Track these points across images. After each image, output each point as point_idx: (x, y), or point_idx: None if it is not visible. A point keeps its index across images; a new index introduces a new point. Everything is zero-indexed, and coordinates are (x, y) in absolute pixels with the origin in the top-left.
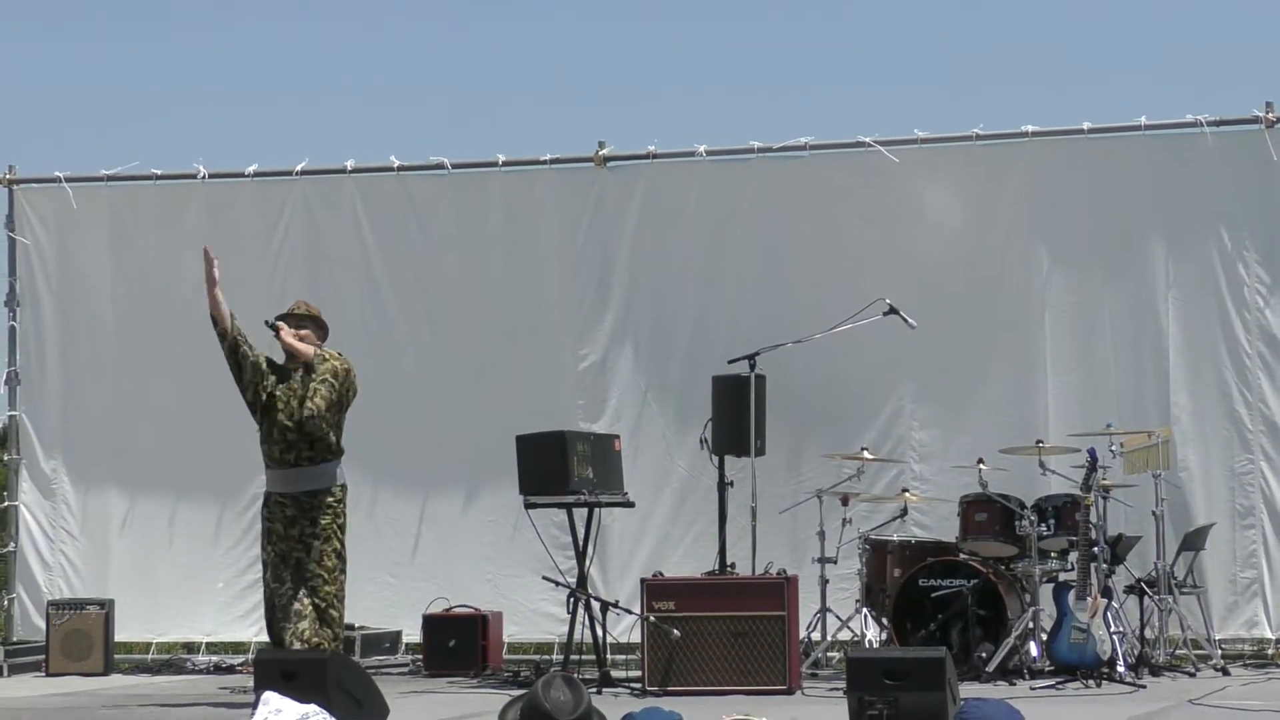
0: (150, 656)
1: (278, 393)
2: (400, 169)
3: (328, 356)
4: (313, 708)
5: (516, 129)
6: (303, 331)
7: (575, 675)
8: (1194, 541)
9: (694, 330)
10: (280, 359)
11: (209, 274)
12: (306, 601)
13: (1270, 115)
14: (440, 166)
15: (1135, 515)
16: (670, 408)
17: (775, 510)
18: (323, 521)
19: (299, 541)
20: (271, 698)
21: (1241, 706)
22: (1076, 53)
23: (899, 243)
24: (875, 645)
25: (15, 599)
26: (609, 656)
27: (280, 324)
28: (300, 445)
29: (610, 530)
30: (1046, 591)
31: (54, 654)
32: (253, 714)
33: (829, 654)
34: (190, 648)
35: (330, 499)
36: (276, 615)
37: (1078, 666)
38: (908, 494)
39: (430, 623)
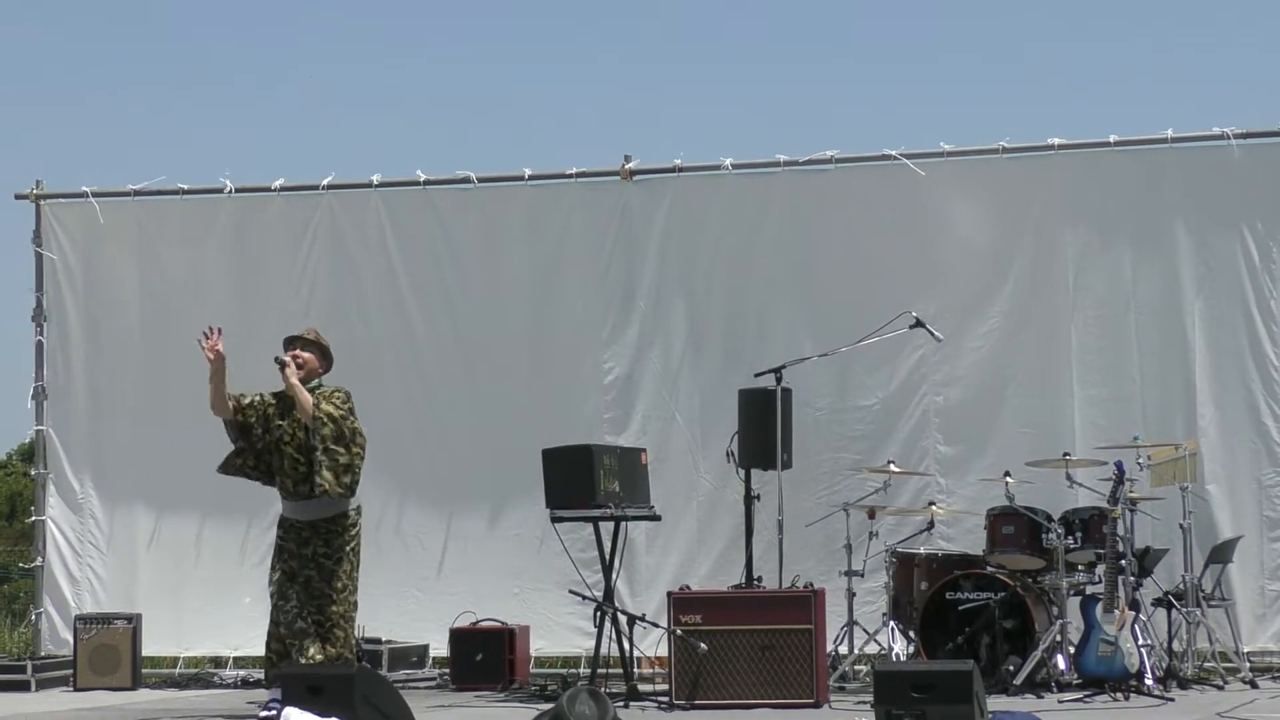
0: (178, 671)
1: (283, 424)
2: (426, 183)
3: (329, 391)
4: None
5: (543, 143)
6: (306, 355)
7: (602, 689)
8: (1222, 554)
9: (720, 343)
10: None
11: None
12: (310, 620)
13: None
14: (466, 180)
15: (1162, 528)
16: (696, 421)
17: (802, 524)
18: (336, 543)
19: (311, 561)
20: (292, 713)
21: (1270, 719)
22: (1104, 67)
23: (925, 256)
24: (902, 658)
25: (43, 613)
26: (636, 670)
27: (287, 361)
28: (313, 477)
29: (637, 544)
30: (1074, 604)
31: (82, 668)
32: None
33: (856, 667)
34: (217, 662)
35: (346, 521)
36: (280, 632)
37: (1105, 679)
38: (934, 507)
39: (457, 636)
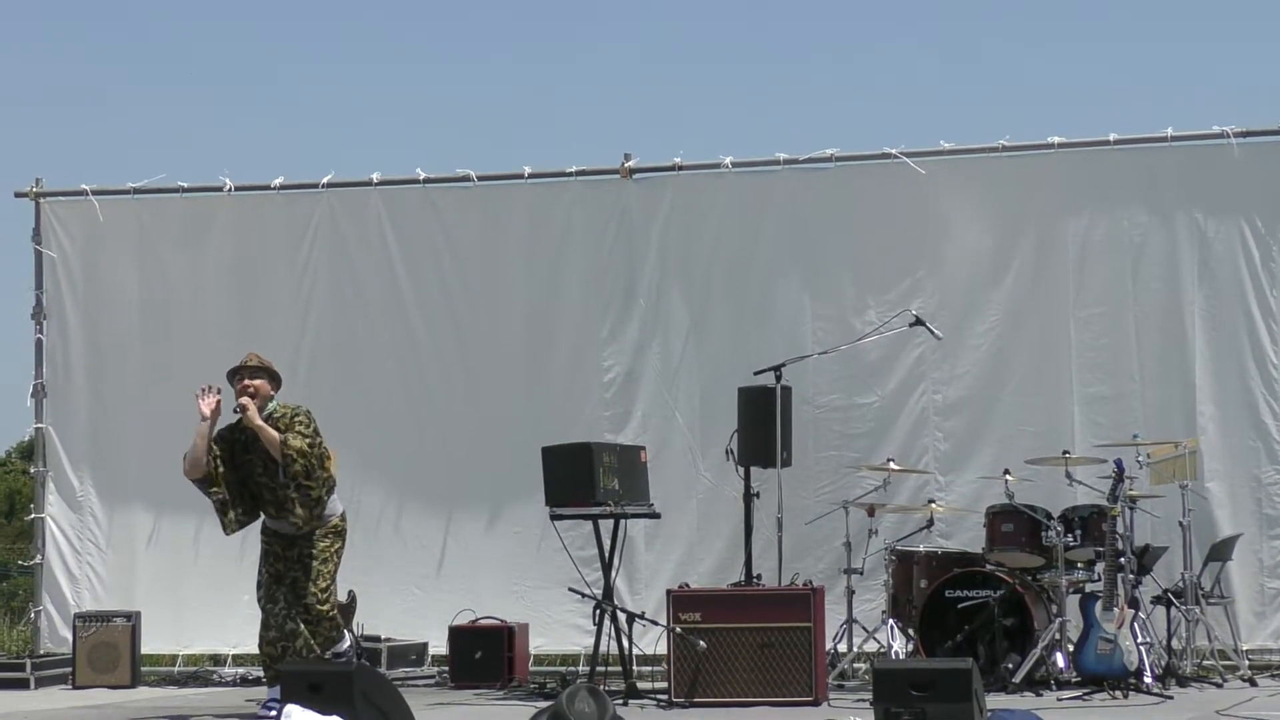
0: (177, 669)
1: (251, 458)
2: (426, 181)
3: (289, 414)
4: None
5: (543, 141)
6: (256, 383)
7: (601, 687)
8: (1221, 552)
9: (719, 341)
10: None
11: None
12: (299, 620)
13: None
14: (466, 179)
15: (1162, 526)
16: (696, 419)
17: (801, 521)
18: (321, 545)
19: (297, 562)
20: (294, 711)
21: (1269, 717)
22: (1104, 66)
23: (925, 254)
24: (901, 656)
25: (42, 611)
26: (635, 668)
27: (246, 404)
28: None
29: (636, 542)
30: (1073, 602)
31: (81, 666)
32: None
33: (855, 665)
34: (216, 660)
35: (331, 526)
36: (271, 634)
37: (1105, 677)
38: (934, 505)
39: (456, 634)
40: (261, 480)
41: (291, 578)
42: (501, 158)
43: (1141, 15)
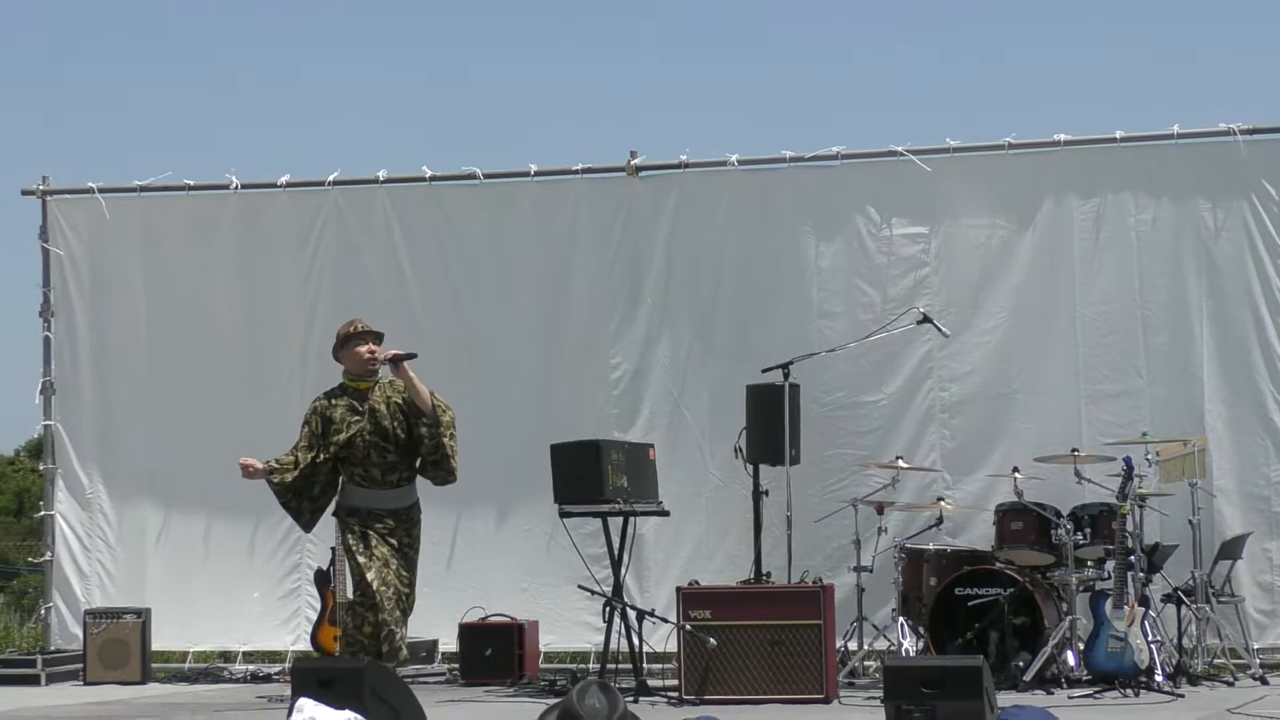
0: (187, 665)
1: (359, 419)
2: (432, 179)
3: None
4: (349, 714)
5: (549, 139)
6: (378, 347)
7: (612, 683)
8: (1231, 550)
9: (727, 339)
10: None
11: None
12: (369, 613)
13: None
14: (472, 176)
15: (1172, 524)
16: (704, 417)
17: (810, 519)
18: (415, 532)
19: (397, 551)
20: (306, 704)
21: None
22: (1109, 63)
23: (931, 251)
24: (912, 654)
25: (52, 608)
26: (645, 665)
27: (398, 353)
28: (401, 466)
29: (645, 539)
30: (1083, 600)
31: (92, 663)
32: None
33: (866, 663)
34: (226, 656)
35: (418, 513)
36: (381, 618)
37: (1115, 675)
38: (943, 503)
39: (467, 632)
40: (371, 440)
41: (394, 564)
42: (508, 155)
43: (1147, 13)
